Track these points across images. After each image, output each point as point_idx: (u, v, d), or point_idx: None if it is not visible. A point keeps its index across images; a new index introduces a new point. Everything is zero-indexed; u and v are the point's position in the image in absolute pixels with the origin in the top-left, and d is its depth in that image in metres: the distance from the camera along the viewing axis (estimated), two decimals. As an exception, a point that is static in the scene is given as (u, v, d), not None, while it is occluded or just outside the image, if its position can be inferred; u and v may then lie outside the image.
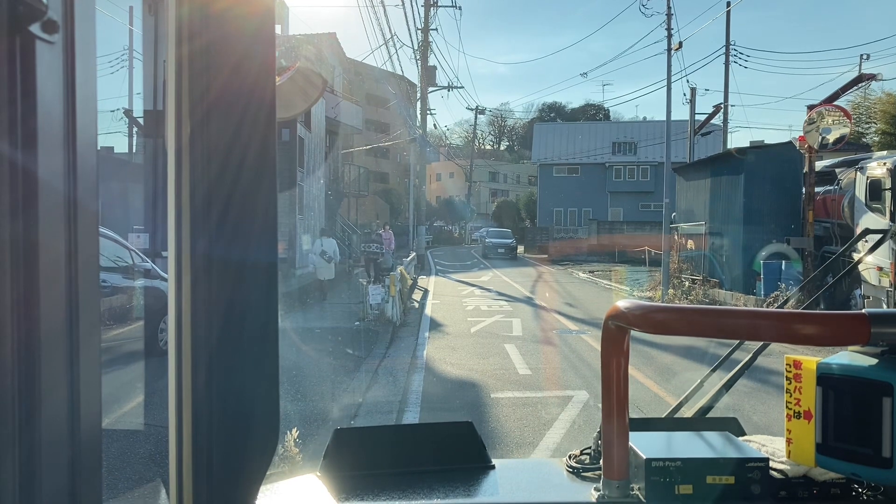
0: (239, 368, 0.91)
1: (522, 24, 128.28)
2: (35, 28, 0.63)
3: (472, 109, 53.41)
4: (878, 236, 1.79)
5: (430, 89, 33.39)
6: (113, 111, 18.53)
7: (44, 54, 0.64)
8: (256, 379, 0.93)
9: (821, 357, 1.06)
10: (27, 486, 0.64)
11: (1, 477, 0.62)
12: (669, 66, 19.99)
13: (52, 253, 0.66)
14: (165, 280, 0.92)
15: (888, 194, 11.77)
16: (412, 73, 54.20)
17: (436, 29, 33.97)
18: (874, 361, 0.98)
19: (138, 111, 18.53)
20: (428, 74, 32.57)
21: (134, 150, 18.82)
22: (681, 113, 29.25)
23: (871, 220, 11.91)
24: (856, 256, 9.44)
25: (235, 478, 0.91)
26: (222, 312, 0.88)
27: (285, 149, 19.25)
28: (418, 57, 31.78)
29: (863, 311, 0.91)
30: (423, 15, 31.91)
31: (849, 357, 1.03)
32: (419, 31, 31.65)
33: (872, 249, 1.87)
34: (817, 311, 0.95)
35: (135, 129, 18.58)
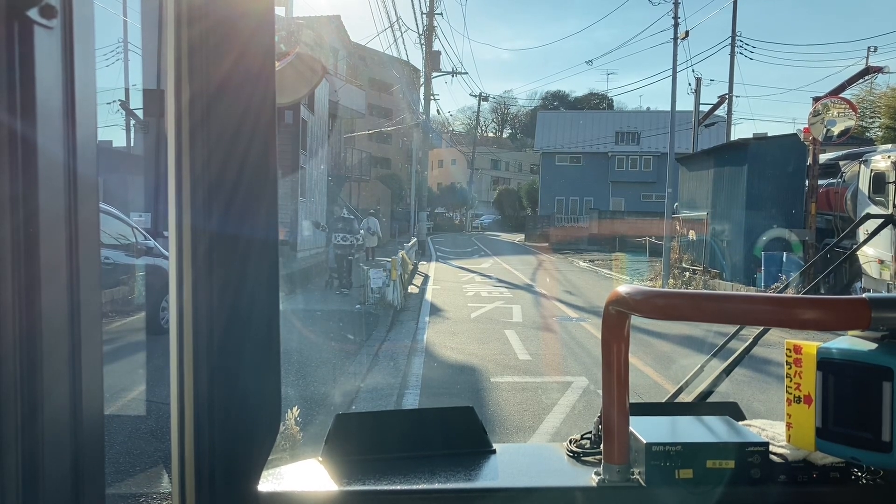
0: (240, 353, 0.91)
1: (527, 10, 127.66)
2: (33, 13, 0.63)
3: (475, 96, 53.32)
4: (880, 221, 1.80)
5: (434, 74, 33.23)
6: (109, 103, 18.33)
7: (42, 39, 0.64)
8: (258, 363, 0.93)
9: (821, 342, 1.07)
10: (30, 472, 0.64)
11: (5, 463, 0.62)
12: (675, 55, 19.93)
13: (54, 233, 0.67)
14: (167, 258, 0.91)
15: (892, 187, 11.75)
16: (417, 59, 53.91)
17: (441, 13, 33.76)
18: (874, 346, 0.99)
19: (135, 105, 18.32)
20: (432, 59, 32.42)
21: (132, 144, 18.67)
22: (685, 104, 29.18)
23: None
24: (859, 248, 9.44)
25: (238, 462, 0.92)
26: (224, 295, 0.88)
27: (288, 131, 19.10)
28: (423, 41, 31.63)
29: (863, 295, 0.91)
30: (428, -1, 31.73)
31: (849, 342, 1.03)
32: (424, 15, 31.50)
33: (874, 234, 1.86)
34: (818, 296, 0.95)
35: (132, 122, 18.43)
